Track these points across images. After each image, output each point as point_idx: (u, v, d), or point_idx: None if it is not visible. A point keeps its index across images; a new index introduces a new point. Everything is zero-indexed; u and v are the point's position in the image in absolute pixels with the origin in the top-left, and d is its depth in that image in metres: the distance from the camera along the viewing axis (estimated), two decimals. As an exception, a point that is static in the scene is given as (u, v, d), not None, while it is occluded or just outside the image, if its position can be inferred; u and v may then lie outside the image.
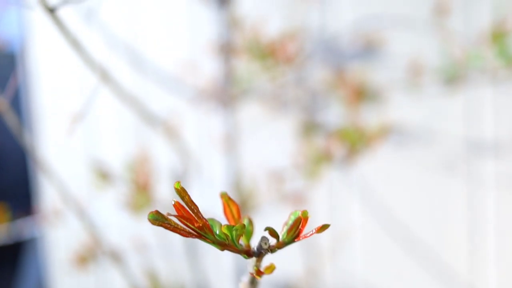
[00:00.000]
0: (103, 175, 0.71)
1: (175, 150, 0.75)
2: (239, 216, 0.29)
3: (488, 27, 0.75)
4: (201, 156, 1.19)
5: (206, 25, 1.15)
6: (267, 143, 1.16)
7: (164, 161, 1.17)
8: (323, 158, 0.57)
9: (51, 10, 0.44)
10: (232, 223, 0.29)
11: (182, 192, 0.26)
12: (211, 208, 1.17)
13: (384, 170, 1.15)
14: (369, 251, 1.19)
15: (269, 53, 0.58)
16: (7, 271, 2.89)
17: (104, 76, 0.48)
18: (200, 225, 0.25)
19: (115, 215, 1.19)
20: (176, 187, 0.25)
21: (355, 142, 0.55)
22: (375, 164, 1.13)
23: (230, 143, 0.73)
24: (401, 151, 1.14)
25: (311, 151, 0.57)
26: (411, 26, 0.97)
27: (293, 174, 0.58)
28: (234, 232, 0.25)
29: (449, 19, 1.06)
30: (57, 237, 1.27)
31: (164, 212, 0.26)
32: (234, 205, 0.28)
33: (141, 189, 0.60)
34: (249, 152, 1.16)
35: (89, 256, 0.75)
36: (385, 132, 0.54)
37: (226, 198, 0.28)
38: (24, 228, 0.85)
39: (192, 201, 0.26)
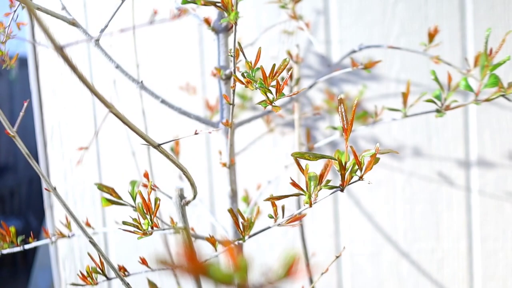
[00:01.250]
0: (110, 195, 0.73)
1: (179, 173, 0.77)
2: (238, 255, 0.31)
3: (476, 58, 0.77)
4: (204, 178, 1.21)
5: (213, 51, 1.18)
6: (268, 164, 1.18)
7: (168, 185, 1.19)
8: (320, 181, 0.59)
9: (60, 48, 0.46)
10: (233, 261, 0.31)
11: (186, 241, 0.28)
12: (211, 229, 1.19)
13: (373, 186, 1.17)
14: (359, 272, 1.20)
15: (267, 79, 0.61)
16: (20, 280, 2.93)
17: (111, 106, 0.50)
18: (198, 268, 0.28)
19: (122, 233, 1.22)
20: (179, 235, 0.27)
21: (351, 168, 0.57)
22: (365, 180, 1.15)
23: (232, 164, 0.75)
24: (391, 168, 1.16)
25: (310, 174, 0.60)
26: (404, 52, 1.00)
27: (292, 196, 0.60)
28: (229, 278, 0.27)
29: (440, 49, 1.10)
30: (66, 253, 1.30)
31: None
32: (231, 249, 0.30)
33: (145, 212, 0.63)
34: (249, 174, 1.19)
35: (97, 273, 0.77)
36: (378, 158, 0.56)
37: (228, 245, 0.30)
38: (36, 239, 0.88)
39: (192, 248, 0.28)
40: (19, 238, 0.89)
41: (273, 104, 0.60)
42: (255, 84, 0.61)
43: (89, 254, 0.75)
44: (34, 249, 2.50)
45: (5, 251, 0.88)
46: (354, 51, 0.87)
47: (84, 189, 1.27)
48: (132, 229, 0.63)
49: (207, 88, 1.20)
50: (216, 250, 0.71)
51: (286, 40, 1.14)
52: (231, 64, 0.78)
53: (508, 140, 1.12)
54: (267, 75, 0.61)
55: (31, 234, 0.89)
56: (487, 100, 0.71)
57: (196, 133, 0.54)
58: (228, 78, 0.77)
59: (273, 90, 0.61)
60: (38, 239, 0.88)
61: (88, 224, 0.84)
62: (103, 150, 1.25)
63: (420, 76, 1.13)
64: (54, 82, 1.25)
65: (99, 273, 0.77)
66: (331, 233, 1.20)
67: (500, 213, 1.14)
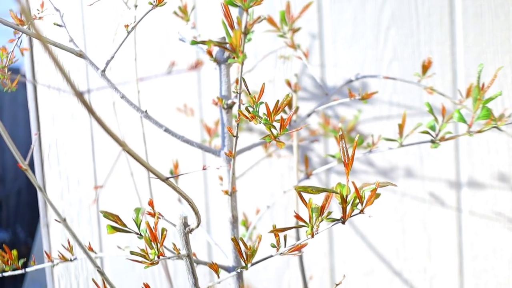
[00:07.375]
0: (114, 222, 0.75)
1: (178, 196, 0.78)
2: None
3: (468, 89, 0.81)
4: (200, 199, 1.23)
5: (210, 73, 1.21)
6: (264, 186, 1.21)
7: (166, 206, 1.21)
8: (322, 212, 0.61)
9: (80, 94, 0.48)
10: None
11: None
12: (207, 247, 1.21)
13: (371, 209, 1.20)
14: None
15: (271, 114, 0.63)
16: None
17: (124, 144, 0.52)
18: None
19: (124, 260, 1.23)
20: None
21: (352, 202, 0.60)
22: (366, 214, 1.18)
23: (233, 192, 0.78)
24: (384, 188, 1.19)
25: (312, 206, 0.62)
26: (399, 83, 1.03)
27: (295, 228, 0.62)
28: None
29: (433, 80, 1.14)
30: (61, 271, 1.30)
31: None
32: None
33: (150, 241, 0.65)
34: (246, 195, 1.21)
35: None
36: (379, 194, 0.58)
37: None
38: (27, 252, 0.89)
39: None
40: (21, 261, 0.91)
41: (277, 139, 0.62)
42: (259, 119, 0.63)
43: (93, 281, 0.76)
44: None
45: (6, 274, 0.89)
46: (351, 81, 0.90)
47: (80, 207, 1.28)
48: (140, 258, 0.65)
49: (203, 110, 1.22)
50: (218, 276, 0.73)
51: (282, 64, 1.17)
52: (233, 94, 0.81)
53: (498, 162, 1.16)
54: (271, 110, 0.63)
55: (33, 258, 0.91)
56: (480, 131, 0.74)
57: (204, 169, 0.56)
58: (229, 107, 0.80)
59: (277, 125, 0.64)
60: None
61: (90, 249, 0.85)
62: (100, 169, 1.27)
63: (412, 99, 1.16)
64: (51, 100, 1.26)
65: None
66: (325, 252, 1.22)
67: (490, 233, 1.17)
